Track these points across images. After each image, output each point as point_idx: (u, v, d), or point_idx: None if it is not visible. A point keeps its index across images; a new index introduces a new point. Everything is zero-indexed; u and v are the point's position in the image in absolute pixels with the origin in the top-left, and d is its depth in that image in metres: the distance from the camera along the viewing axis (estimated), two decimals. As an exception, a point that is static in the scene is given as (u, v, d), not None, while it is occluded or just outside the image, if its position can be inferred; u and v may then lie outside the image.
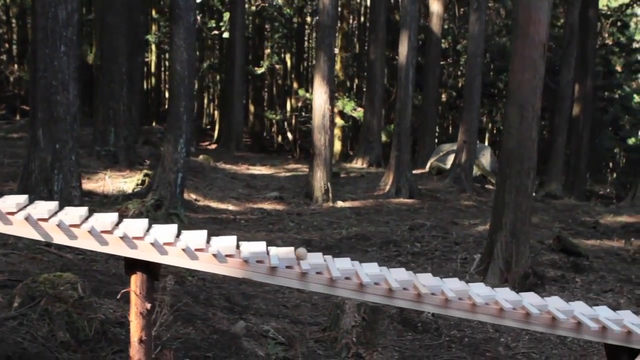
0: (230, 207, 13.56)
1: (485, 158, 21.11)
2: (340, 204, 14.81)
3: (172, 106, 10.53)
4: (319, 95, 14.42)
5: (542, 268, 10.58)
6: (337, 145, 30.13)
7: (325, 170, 14.63)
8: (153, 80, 39.68)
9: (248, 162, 21.20)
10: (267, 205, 14.20)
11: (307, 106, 30.79)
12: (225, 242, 3.52)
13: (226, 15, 26.54)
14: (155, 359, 4.75)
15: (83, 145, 15.16)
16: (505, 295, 3.68)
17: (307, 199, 14.86)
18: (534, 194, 21.69)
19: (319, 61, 14.38)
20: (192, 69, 10.54)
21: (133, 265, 3.46)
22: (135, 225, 3.43)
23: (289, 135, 35.91)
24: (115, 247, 3.36)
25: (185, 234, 3.56)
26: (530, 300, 3.74)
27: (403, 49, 15.83)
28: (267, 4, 28.12)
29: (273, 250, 3.58)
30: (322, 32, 14.28)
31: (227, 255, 3.40)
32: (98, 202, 10.86)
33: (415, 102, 29.74)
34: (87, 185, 12.33)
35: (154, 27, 30.50)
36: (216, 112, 37.18)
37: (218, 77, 36.23)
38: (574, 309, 3.75)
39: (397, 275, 3.66)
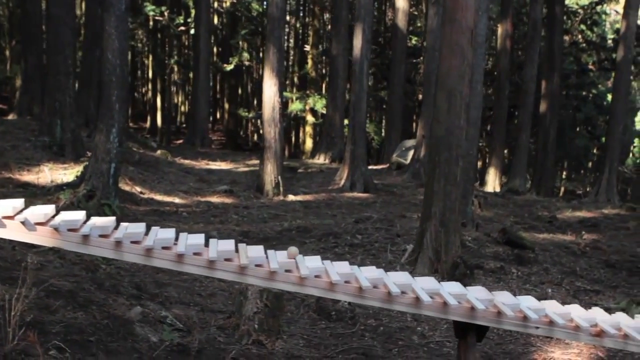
0: (176, 200, 13.40)
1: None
2: (291, 197, 14.67)
3: (104, 96, 10.35)
4: (269, 87, 14.27)
5: (482, 259, 10.49)
6: (309, 143, 30.07)
7: (275, 163, 14.48)
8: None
9: (209, 158, 21.02)
10: (215, 199, 14.04)
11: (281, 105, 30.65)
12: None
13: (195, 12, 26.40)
14: (20, 340, 4.60)
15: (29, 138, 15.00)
16: (337, 269, 3.56)
17: (257, 193, 14.72)
18: (498, 190, 21.72)
19: (269, 53, 14.24)
20: (124, 58, 10.37)
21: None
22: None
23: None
24: None
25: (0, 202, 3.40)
26: (368, 274, 3.61)
27: (357, 42, 15.70)
28: (235, 0, 27.96)
29: (92, 219, 3.43)
30: (271, 24, 14.12)
31: (37, 224, 3.25)
32: (30, 193, 10.68)
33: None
34: (26, 176, 12.15)
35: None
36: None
37: (191, 75, 36.07)
38: (412, 283, 3.61)
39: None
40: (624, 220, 16.27)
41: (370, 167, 19.42)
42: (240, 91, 41.04)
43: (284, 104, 30.99)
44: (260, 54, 37.51)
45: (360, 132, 15.91)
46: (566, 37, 29.96)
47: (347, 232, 11.57)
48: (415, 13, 29.40)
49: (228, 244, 3.50)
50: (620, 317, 4.00)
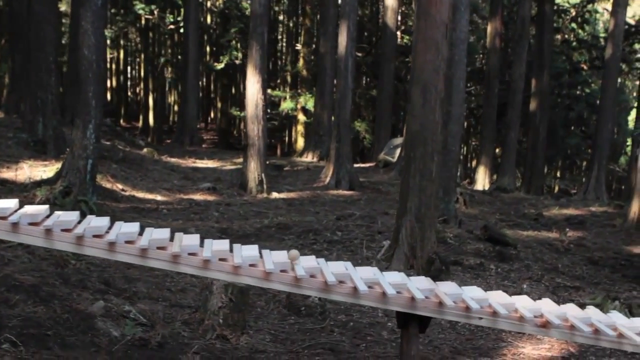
0: (158, 198, 13.35)
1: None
2: (274, 195, 14.63)
3: (80, 92, 10.30)
4: (252, 84, 14.22)
5: (462, 256, 10.45)
6: (300, 142, 30.01)
7: (259, 161, 14.43)
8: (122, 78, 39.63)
9: (196, 156, 20.99)
10: (198, 196, 14.00)
11: (273, 103, 30.68)
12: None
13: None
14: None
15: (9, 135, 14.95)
16: (274, 258, 3.52)
17: (241, 190, 14.68)
18: (486, 188, 21.69)
19: (252, 50, 14.19)
20: (101, 54, 10.32)
21: None
22: None
23: (255, 132, 35.60)
24: None
25: None
26: (306, 264, 3.57)
27: (342, 39, 15.68)
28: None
29: (24, 208, 3.39)
30: (253, 21, 14.07)
31: (-35, 212, 3.21)
32: (7, 190, 10.64)
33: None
34: (4, 173, 12.10)
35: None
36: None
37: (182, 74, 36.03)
38: (350, 273, 3.57)
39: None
40: (611, 217, 16.26)
41: (357, 165, 19.40)
42: (233, 90, 40.98)
43: (277, 103, 31.11)
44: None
45: (345, 130, 15.87)
46: (558, 36, 29.95)
47: (328, 229, 11.53)
48: (407, 12, 29.35)
49: (163, 233, 3.46)
50: (568, 308, 3.96)
